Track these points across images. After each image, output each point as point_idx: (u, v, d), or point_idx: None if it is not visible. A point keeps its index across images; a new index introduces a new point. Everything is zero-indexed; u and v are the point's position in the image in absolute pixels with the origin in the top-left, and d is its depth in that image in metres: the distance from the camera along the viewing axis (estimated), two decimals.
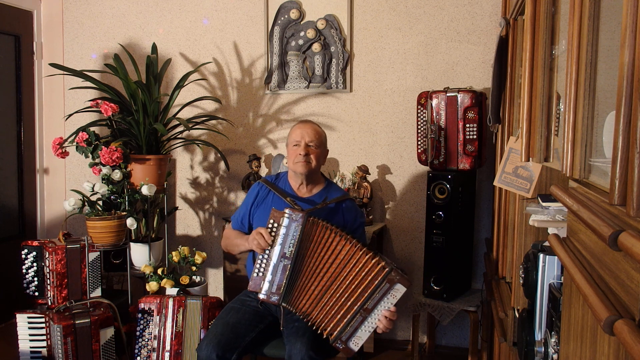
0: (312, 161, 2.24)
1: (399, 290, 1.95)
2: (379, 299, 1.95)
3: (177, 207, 3.61)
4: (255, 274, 2.08)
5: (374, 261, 1.97)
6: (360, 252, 1.99)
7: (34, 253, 2.70)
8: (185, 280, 2.76)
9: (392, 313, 1.96)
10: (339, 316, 1.99)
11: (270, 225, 2.07)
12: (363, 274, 1.98)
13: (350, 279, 1.99)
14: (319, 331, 2.01)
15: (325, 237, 2.04)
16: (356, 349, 1.98)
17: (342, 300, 2.00)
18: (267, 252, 2.06)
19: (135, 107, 3.11)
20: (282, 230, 2.05)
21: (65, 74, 3.18)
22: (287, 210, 2.06)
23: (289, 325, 2.13)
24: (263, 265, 2.07)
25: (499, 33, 2.37)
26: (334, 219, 2.24)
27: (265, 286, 2.05)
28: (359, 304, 1.97)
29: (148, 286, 2.73)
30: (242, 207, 2.39)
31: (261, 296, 2.06)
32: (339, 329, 1.98)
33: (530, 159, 1.44)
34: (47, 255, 2.63)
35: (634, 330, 0.59)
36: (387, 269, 1.95)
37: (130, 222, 2.82)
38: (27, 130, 3.69)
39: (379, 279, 1.95)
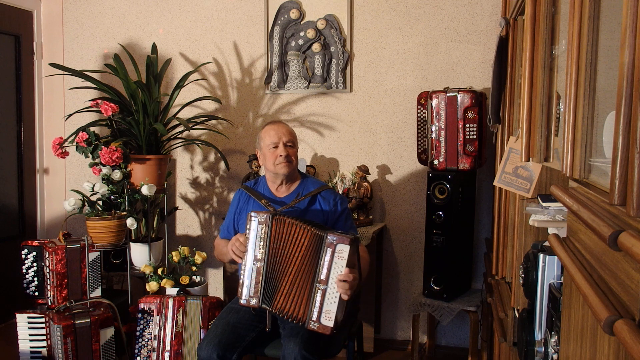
0: (293, 160, 2.25)
1: (343, 250, 1.94)
2: (328, 266, 1.95)
3: (177, 207, 3.61)
4: (240, 280, 2.08)
5: (313, 233, 1.98)
6: (307, 232, 1.99)
7: (34, 253, 2.70)
8: (185, 280, 2.76)
9: (345, 275, 1.93)
10: (305, 300, 1.99)
11: (247, 230, 2.08)
12: (310, 251, 1.99)
13: (305, 261, 2.00)
14: (294, 322, 2.00)
15: (293, 233, 2.03)
16: (330, 324, 1.95)
17: (304, 284, 2.00)
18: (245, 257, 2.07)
19: (135, 107, 3.11)
20: (252, 234, 2.05)
21: (65, 74, 3.18)
22: (252, 213, 2.06)
23: (285, 326, 2.13)
24: (242, 270, 2.07)
25: (499, 33, 2.37)
26: (311, 212, 2.24)
27: (244, 291, 2.05)
28: (312, 279, 1.98)
29: (148, 286, 2.73)
30: (227, 216, 2.41)
31: (241, 301, 2.06)
32: (307, 311, 1.97)
33: (530, 159, 1.44)
34: (47, 255, 2.63)
35: (634, 330, 0.59)
36: (322, 236, 1.96)
37: (130, 222, 2.82)
38: (27, 130, 3.69)
39: (320, 247, 1.96)
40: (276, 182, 2.30)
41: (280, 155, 2.21)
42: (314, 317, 1.96)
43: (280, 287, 2.03)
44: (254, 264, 2.05)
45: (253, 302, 2.05)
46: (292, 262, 2.03)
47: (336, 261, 1.95)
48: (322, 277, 1.96)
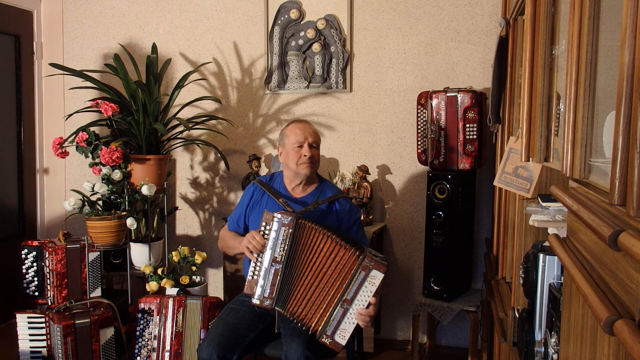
0: (315, 162, 2.23)
1: (376, 277, 1.92)
2: (357, 288, 1.93)
3: (177, 207, 3.61)
4: (250, 277, 2.07)
5: (350, 252, 1.95)
6: (341, 247, 1.97)
7: (34, 253, 2.70)
8: (185, 280, 2.76)
9: (368, 311, 1.92)
10: (321, 311, 1.97)
11: (262, 228, 2.06)
12: (341, 267, 1.96)
13: (333, 275, 1.97)
14: (310, 332, 1.99)
15: (314, 238, 2.01)
16: (343, 342, 1.95)
17: (324, 295, 1.98)
18: (260, 255, 2.05)
19: (135, 107, 3.11)
20: (273, 234, 2.03)
21: (65, 74, 3.18)
22: (276, 214, 2.03)
23: (286, 326, 2.13)
24: (256, 269, 2.06)
25: (499, 33, 2.37)
26: (328, 218, 2.23)
27: (258, 291, 2.04)
28: (338, 296, 1.95)
29: (148, 286, 2.73)
30: (238, 208, 2.38)
31: (254, 301, 2.05)
32: (322, 323, 1.96)
33: (530, 159, 1.44)
34: (47, 255, 2.63)
35: (634, 330, 0.59)
36: (360, 257, 1.93)
37: (130, 222, 2.82)
38: (27, 130, 3.69)
39: (354, 268, 1.93)
40: (294, 182, 2.28)
41: (305, 156, 2.18)
42: (329, 332, 1.96)
43: (296, 291, 2.02)
44: (272, 265, 2.03)
45: (267, 303, 2.04)
46: (313, 269, 2.01)
47: (367, 286, 1.93)
48: (349, 297, 1.94)
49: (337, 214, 2.25)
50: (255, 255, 2.05)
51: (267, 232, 2.05)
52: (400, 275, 3.31)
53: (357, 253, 1.94)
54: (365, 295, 1.94)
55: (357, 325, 1.96)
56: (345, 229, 2.24)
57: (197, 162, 3.61)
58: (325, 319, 1.96)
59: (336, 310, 1.96)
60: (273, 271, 2.03)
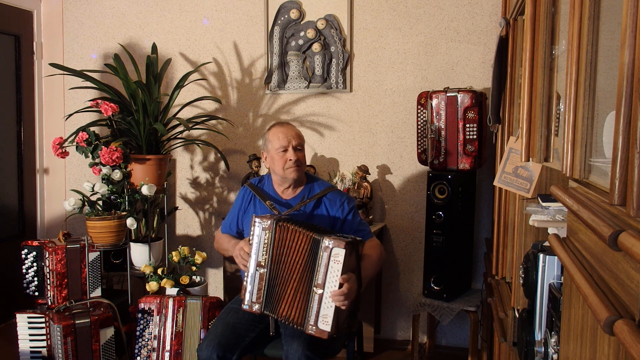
0: (302, 165, 2.21)
1: (339, 254, 1.88)
2: (324, 270, 1.91)
3: (177, 207, 3.61)
4: (244, 283, 2.07)
5: (310, 237, 1.92)
6: (307, 238, 1.94)
7: (34, 253, 2.70)
8: (185, 280, 2.76)
9: (339, 291, 1.87)
10: (303, 304, 1.95)
11: (251, 234, 2.06)
12: (309, 255, 1.93)
13: (306, 267, 1.95)
14: (294, 326, 1.97)
15: (296, 239, 1.99)
16: (327, 328, 1.91)
17: (303, 288, 1.96)
18: (249, 262, 2.05)
19: (135, 107, 3.11)
20: (255, 239, 2.03)
21: (65, 74, 3.18)
22: (256, 219, 2.03)
23: (287, 326, 2.13)
24: (245, 275, 2.06)
25: (499, 33, 2.37)
26: (317, 216, 2.21)
27: (247, 296, 2.04)
28: (309, 282, 1.93)
29: (148, 286, 2.73)
30: (231, 212, 2.38)
31: (244, 307, 2.05)
32: (305, 315, 1.94)
33: (530, 159, 1.44)
34: (47, 255, 2.63)
35: (634, 330, 0.59)
36: (318, 239, 1.90)
37: (130, 222, 2.82)
38: (27, 130, 3.69)
39: (317, 251, 1.91)
40: (283, 185, 2.27)
41: (290, 160, 2.17)
42: (312, 321, 1.93)
43: (284, 294, 2.00)
44: (257, 270, 2.03)
45: (255, 307, 2.03)
46: (295, 269, 1.99)
47: (332, 265, 1.90)
48: (319, 281, 1.92)
49: (328, 210, 2.23)
50: (248, 267, 2.06)
51: (252, 237, 2.05)
52: (400, 275, 3.31)
53: (316, 237, 1.91)
54: (334, 275, 1.90)
55: (339, 309, 1.90)
56: (341, 223, 2.21)
57: (197, 162, 3.61)
58: (306, 310, 1.93)
59: (311, 298, 1.93)
60: (258, 276, 2.02)
